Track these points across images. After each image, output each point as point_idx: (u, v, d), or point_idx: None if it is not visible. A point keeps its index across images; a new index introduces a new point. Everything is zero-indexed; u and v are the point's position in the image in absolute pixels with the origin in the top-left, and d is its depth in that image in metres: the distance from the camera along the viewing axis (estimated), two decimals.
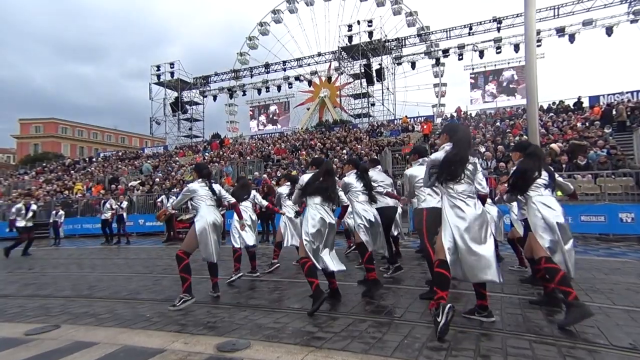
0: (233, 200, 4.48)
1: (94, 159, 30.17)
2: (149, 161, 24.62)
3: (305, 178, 3.72)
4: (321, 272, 3.53)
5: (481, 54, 28.80)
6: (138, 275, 5.79)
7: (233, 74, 36.07)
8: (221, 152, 23.34)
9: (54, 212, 12.29)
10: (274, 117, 37.44)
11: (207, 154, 24.18)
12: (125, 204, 12.21)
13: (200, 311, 3.59)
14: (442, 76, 31.37)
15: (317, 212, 3.54)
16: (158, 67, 37.03)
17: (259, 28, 35.47)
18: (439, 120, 22.12)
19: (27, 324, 3.33)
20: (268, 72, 35.27)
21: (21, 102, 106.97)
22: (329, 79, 34.93)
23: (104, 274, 6.13)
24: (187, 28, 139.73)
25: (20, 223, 9.14)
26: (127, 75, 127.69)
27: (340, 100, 35.23)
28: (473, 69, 29.76)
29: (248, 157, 19.92)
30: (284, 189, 5.87)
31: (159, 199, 12.49)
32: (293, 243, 5.45)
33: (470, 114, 22.16)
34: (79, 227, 14.66)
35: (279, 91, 35.94)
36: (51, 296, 4.59)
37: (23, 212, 9.18)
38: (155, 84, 37.53)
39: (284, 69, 34.74)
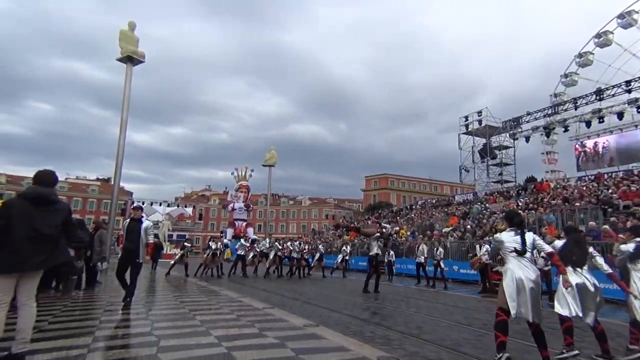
0: (549, 249, 3.92)
1: (413, 207, 34.81)
2: (477, 205, 24.90)
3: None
4: None
5: None
6: (458, 325, 5.94)
7: (551, 109, 31.89)
8: (538, 198, 20.67)
9: (387, 252, 15.08)
10: (613, 153, 29.35)
11: (521, 199, 22.14)
12: (440, 250, 13.14)
13: None
14: None
15: None
16: (466, 117, 38.82)
17: (596, 40, 29.95)
18: None
19: (378, 349, 4.15)
20: (601, 99, 28.45)
21: (367, 164, 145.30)
22: None
23: (427, 316, 6.73)
24: (496, 78, 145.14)
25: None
26: (440, 131, 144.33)
27: None
28: None
29: (577, 204, 16.47)
30: (630, 246, 4.39)
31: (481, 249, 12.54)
32: None
33: None
34: (404, 267, 17.06)
35: (619, 119, 28.18)
36: (390, 328, 5.53)
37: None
38: (464, 133, 39.34)
39: (628, 91, 26.76)
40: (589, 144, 30.72)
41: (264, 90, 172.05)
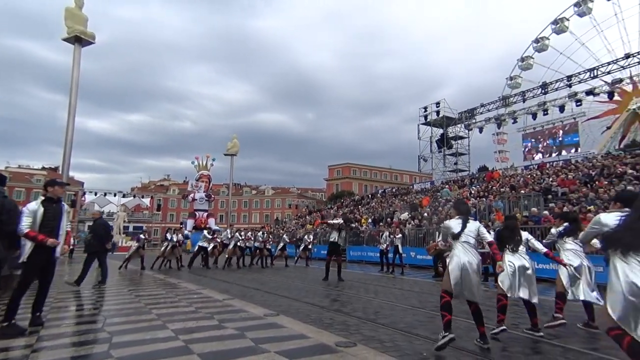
0: (490, 238, 4.26)
1: (374, 196, 35.67)
2: (446, 187, 25.95)
3: (608, 219, 2.70)
4: None
5: None
6: (413, 309, 6.26)
7: (501, 102, 33.75)
8: (489, 186, 21.99)
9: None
10: (554, 143, 31.79)
11: (473, 187, 23.43)
12: (400, 236, 13.65)
13: None
14: None
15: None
16: (425, 108, 40.09)
17: (535, 45, 31.81)
18: None
19: (336, 335, 4.30)
20: (546, 93, 30.63)
21: (333, 153, 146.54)
22: None
23: (384, 301, 7.01)
24: (461, 70, 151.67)
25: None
26: (404, 121, 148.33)
27: None
28: None
29: (522, 191, 17.72)
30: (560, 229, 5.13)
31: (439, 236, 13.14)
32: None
33: None
34: (365, 255, 17.54)
35: (561, 112, 30.47)
36: (349, 314, 5.71)
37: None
38: (423, 124, 40.65)
39: (569, 85, 29.10)
40: (537, 136, 32.95)
41: (231, 78, 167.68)
